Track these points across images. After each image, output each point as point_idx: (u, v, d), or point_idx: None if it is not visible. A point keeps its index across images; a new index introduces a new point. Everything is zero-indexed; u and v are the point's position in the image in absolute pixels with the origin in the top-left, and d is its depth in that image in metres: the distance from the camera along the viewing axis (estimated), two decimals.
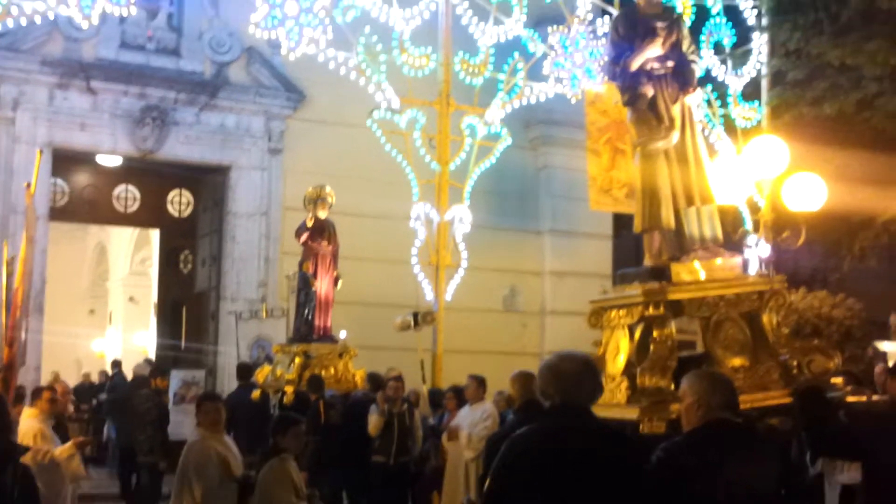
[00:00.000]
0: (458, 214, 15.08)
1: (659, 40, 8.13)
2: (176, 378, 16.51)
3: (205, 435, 7.92)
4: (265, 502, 7.44)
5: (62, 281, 26.39)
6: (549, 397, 4.59)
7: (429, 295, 14.92)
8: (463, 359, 15.47)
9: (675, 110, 8.08)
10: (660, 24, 8.24)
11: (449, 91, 15.20)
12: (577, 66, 15.73)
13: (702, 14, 16.66)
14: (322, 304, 14.39)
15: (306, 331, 14.28)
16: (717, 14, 16.80)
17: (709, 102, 16.75)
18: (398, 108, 14.68)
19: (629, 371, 7.62)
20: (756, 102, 17.15)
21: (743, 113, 17.01)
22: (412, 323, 14.17)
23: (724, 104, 17.01)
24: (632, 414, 7.07)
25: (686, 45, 8.35)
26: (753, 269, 13.07)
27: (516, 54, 15.58)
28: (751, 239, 14.61)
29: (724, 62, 16.93)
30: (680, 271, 7.75)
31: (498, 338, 19.11)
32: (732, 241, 12.88)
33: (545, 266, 20.61)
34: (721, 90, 17.01)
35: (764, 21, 17.08)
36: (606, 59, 8.88)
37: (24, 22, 12.64)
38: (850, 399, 7.86)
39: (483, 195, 16.66)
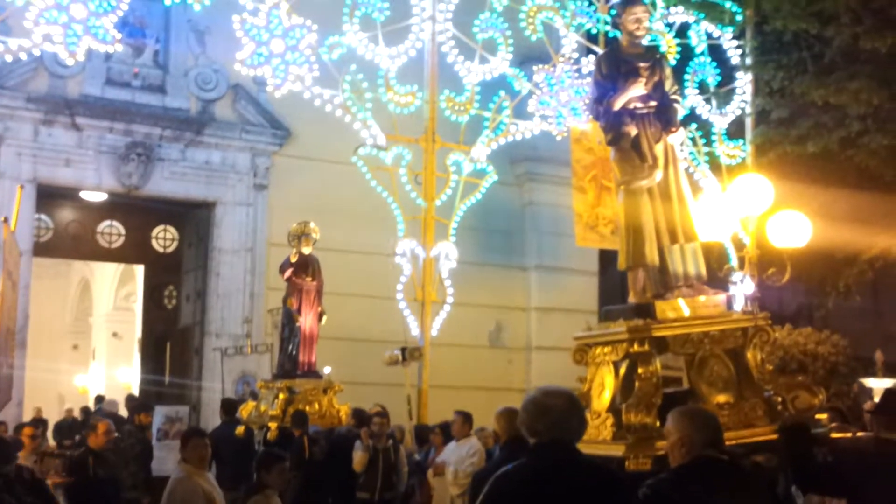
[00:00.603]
0: (443, 250, 15.04)
1: (642, 80, 8.22)
2: (159, 414, 16.39)
3: (190, 471, 7.83)
4: None
5: (45, 316, 26.35)
6: (535, 434, 4.55)
7: (414, 331, 14.88)
8: (449, 394, 15.48)
9: (658, 149, 8.16)
10: (643, 64, 8.33)
11: (434, 128, 15.22)
12: (563, 105, 15.82)
13: (686, 53, 16.79)
14: (306, 340, 14.40)
15: (290, 366, 14.29)
16: (702, 53, 16.91)
17: (693, 141, 16.86)
18: (384, 144, 14.70)
19: (614, 408, 7.66)
20: (741, 141, 17.26)
21: (727, 151, 17.11)
22: (400, 358, 14.21)
23: (709, 142, 17.11)
24: (617, 451, 7.09)
25: (669, 84, 8.44)
26: (739, 306, 13.13)
27: (502, 92, 15.63)
28: (736, 276, 14.69)
29: (708, 101, 17.04)
30: (664, 308, 7.80)
31: (484, 373, 19.16)
32: (718, 277, 12.97)
33: (531, 302, 20.71)
34: (706, 129, 17.12)
35: (748, 60, 17.23)
36: (590, 98, 8.96)
37: (9, 58, 12.63)
38: (835, 435, 7.91)
39: (469, 231, 16.75)
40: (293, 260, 14.44)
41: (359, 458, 12.09)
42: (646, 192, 8.10)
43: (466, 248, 16.08)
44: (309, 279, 14.44)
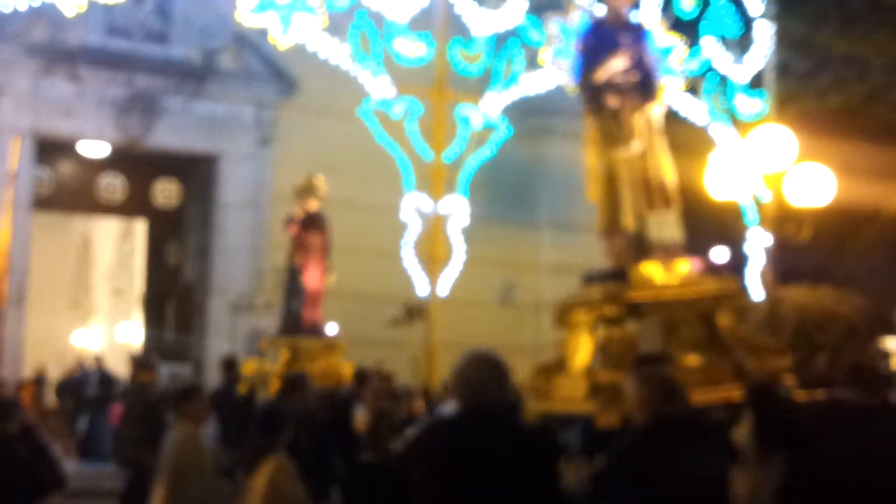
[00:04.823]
0: (453, 206, 15.60)
1: (624, 53, 9.15)
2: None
3: (191, 429, 8.23)
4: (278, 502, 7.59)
5: (46, 273, 27.26)
6: (459, 399, 5.06)
7: (423, 288, 15.37)
8: (458, 353, 16.10)
9: (639, 120, 9.10)
10: (625, 37, 9.26)
11: (445, 80, 15.68)
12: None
13: (706, 3, 17.28)
14: (312, 298, 14.96)
15: (294, 324, 14.91)
16: (722, 4, 17.38)
17: (712, 94, 17.41)
18: (393, 97, 15.15)
19: (589, 369, 8.62)
20: (761, 94, 17.80)
21: (747, 105, 17.64)
22: (404, 318, 14.99)
23: (728, 96, 17.64)
24: (588, 408, 8.06)
25: (650, 58, 9.37)
26: (757, 266, 13.89)
27: (514, 43, 16.02)
28: (753, 234, 15.38)
29: (728, 53, 17.51)
30: (639, 273, 8.78)
31: (493, 332, 19.28)
32: (719, 240, 13.79)
33: (542, 259, 21.38)
34: (725, 82, 17.63)
35: (770, 11, 17.70)
36: (572, 70, 9.85)
37: (8, 7, 13.33)
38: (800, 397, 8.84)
39: (479, 186, 17.21)
40: (300, 215, 15.02)
41: (362, 418, 12.89)
42: (624, 160, 9.06)
43: (476, 203, 16.53)
44: (316, 235, 15.02)
